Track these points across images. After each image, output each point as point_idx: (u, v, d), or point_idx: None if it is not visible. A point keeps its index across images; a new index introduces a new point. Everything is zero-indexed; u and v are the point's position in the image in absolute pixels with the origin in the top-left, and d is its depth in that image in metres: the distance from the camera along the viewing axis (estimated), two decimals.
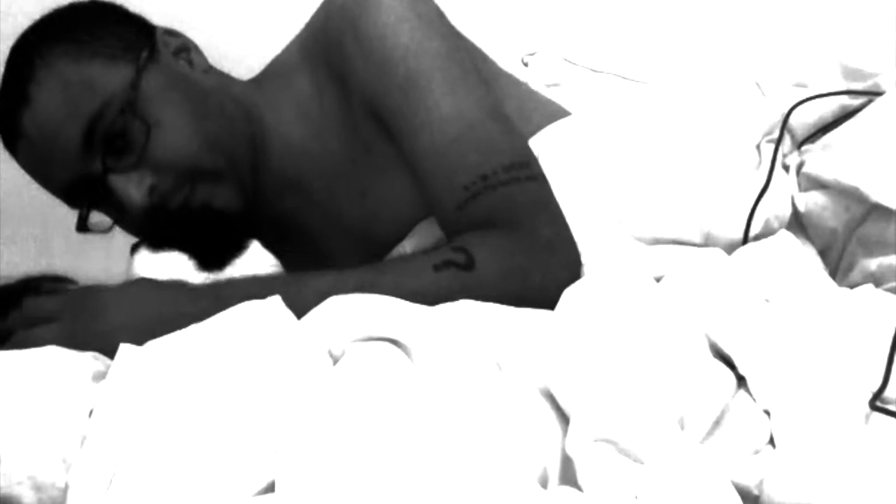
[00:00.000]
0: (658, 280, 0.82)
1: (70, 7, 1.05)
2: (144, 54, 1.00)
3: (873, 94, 1.01)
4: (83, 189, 0.99)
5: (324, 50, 1.03)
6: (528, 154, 0.95)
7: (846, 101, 1.03)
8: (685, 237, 0.95)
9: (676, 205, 0.95)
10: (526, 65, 1.45)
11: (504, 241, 0.89)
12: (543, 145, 1.02)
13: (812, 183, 0.98)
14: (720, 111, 1.04)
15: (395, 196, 1.01)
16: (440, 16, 0.99)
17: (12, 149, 1.01)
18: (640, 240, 0.95)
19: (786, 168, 1.03)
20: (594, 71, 1.42)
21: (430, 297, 0.80)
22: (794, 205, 0.99)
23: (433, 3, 1.00)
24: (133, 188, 0.96)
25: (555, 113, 1.12)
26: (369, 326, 0.72)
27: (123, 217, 1.01)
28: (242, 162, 1.02)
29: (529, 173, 0.93)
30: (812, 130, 1.04)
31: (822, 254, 0.96)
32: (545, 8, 1.63)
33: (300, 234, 1.12)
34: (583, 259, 0.91)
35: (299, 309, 0.74)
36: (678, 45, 1.49)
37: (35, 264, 0.98)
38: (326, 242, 1.11)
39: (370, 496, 0.58)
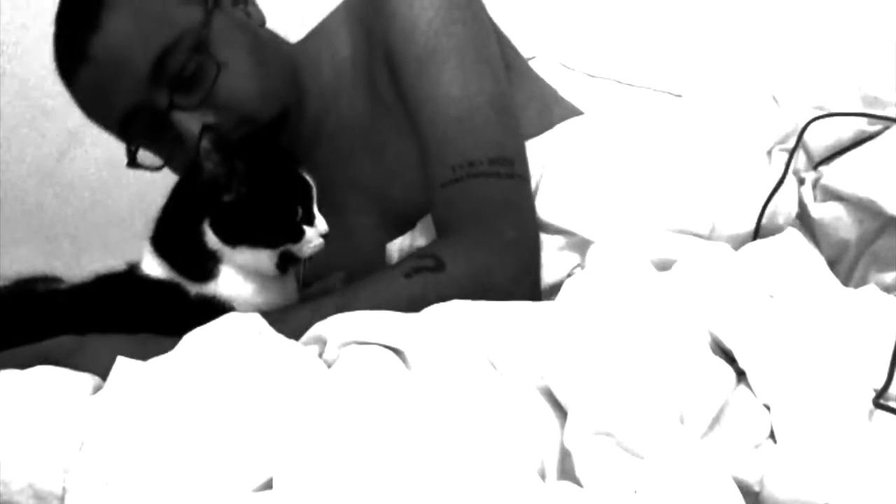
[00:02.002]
0: (662, 267, 0.83)
1: None
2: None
3: (891, 119, 1.03)
4: (142, 120, 1.00)
5: (363, 6, 1.08)
6: (515, 152, 1.00)
7: (863, 126, 1.04)
8: (692, 228, 0.96)
9: (685, 196, 0.98)
10: None
11: (470, 241, 0.95)
12: (562, 137, 1.06)
13: (829, 194, 1.00)
14: (733, 115, 1.07)
15: (409, 158, 1.04)
16: (469, 4, 1.03)
17: (70, 75, 1.01)
18: (651, 229, 0.96)
19: (801, 181, 1.05)
20: (591, 76, 1.42)
21: (404, 302, 0.84)
22: (808, 213, 1.01)
23: None
24: (195, 125, 0.96)
25: (575, 112, 1.17)
26: (361, 332, 0.72)
27: (174, 155, 1.03)
28: (290, 115, 1.05)
29: (510, 171, 0.98)
30: (829, 153, 1.05)
31: (831, 264, 0.96)
32: (543, 12, 1.63)
33: (321, 187, 1.13)
34: (592, 245, 0.93)
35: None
36: (675, 51, 1.49)
37: (37, 266, 0.97)
38: (344, 197, 1.13)
39: (367, 491, 0.58)
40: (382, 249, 1.11)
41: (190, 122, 0.98)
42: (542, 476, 0.64)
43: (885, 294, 0.79)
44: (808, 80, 1.17)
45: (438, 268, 0.91)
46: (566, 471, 0.63)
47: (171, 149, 1.02)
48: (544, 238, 0.99)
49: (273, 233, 0.89)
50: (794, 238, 0.88)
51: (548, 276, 0.98)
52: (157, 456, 0.62)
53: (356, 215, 1.14)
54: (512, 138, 1.01)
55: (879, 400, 0.64)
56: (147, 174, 1.06)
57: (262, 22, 1.11)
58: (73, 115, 1.04)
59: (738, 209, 0.97)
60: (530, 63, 1.46)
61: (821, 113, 1.07)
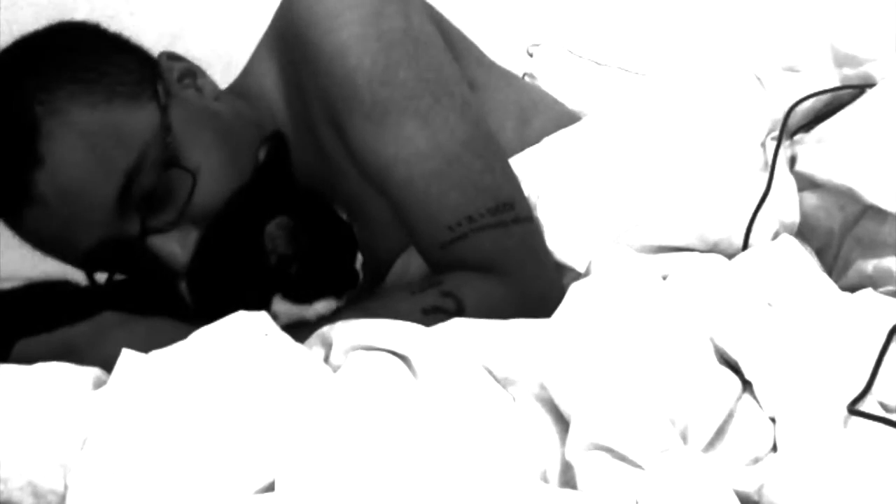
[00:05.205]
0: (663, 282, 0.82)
1: (47, 34, 0.91)
2: (160, 88, 0.89)
3: (868, 86, 0.99)
4: (110, 252, 0.88)
5: (282, 41, 0.96)
6: (512, 193, 0.90)
7: (838, 91, 1.00)
8: (690, 245, 0.93)
9: (681, 214, 0.93)
10: (531, 55, 1.44)
11: (494, 289, 0.87)
12: (547, 155, 0.99)
13: (806, 182, 0.96)
14: (724, 110, 1.02)
15: (383, 218, 0.93)
16: (406, 33, 0.90)
17: (9, 216, 0.88)
18: (644, 248, 0.92)
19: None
20: (598, 63, 1.41)
21: None
22: None
23: (399, 13, 0.90)
24: (177, 246, 0.86)
25: (560, 116, 1.09)
26: (368, 338, 0.72)
27: (151, 272, 0.90)
28: (285, 137, 0.92)
29: (515, 216, 0.89)
30: (804, 121, 1.01)
31: (819, 253, 0.94)
32: None
33: None
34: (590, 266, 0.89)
35: None
36: (679, 37, 1.48)
37: (34, 266, 0.96)
38: None
39: (369, 494, 0.58)
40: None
41: (169, 245, 0.86)
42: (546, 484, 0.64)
43: (880, 297, 0.79)
44: (780, 38, 1.12)
45: (458, 313, 0.83)
46: (568, 481, 0.64)
47: (152, 269, 0.88)
48: None
49: (340, 283, 0.86)
50: (788, 244, 0.87)
51: None
52: (160, 456, 0.62)
53: None
54: (503, 177, 0.91)
55: (854, 406, 0.63)
56: None
57: (215, 93, 0.96)
58: None
59: (736, 224, 0.93)
60: (536, 49, 1.45)
61: (800, 86, 1.02)
